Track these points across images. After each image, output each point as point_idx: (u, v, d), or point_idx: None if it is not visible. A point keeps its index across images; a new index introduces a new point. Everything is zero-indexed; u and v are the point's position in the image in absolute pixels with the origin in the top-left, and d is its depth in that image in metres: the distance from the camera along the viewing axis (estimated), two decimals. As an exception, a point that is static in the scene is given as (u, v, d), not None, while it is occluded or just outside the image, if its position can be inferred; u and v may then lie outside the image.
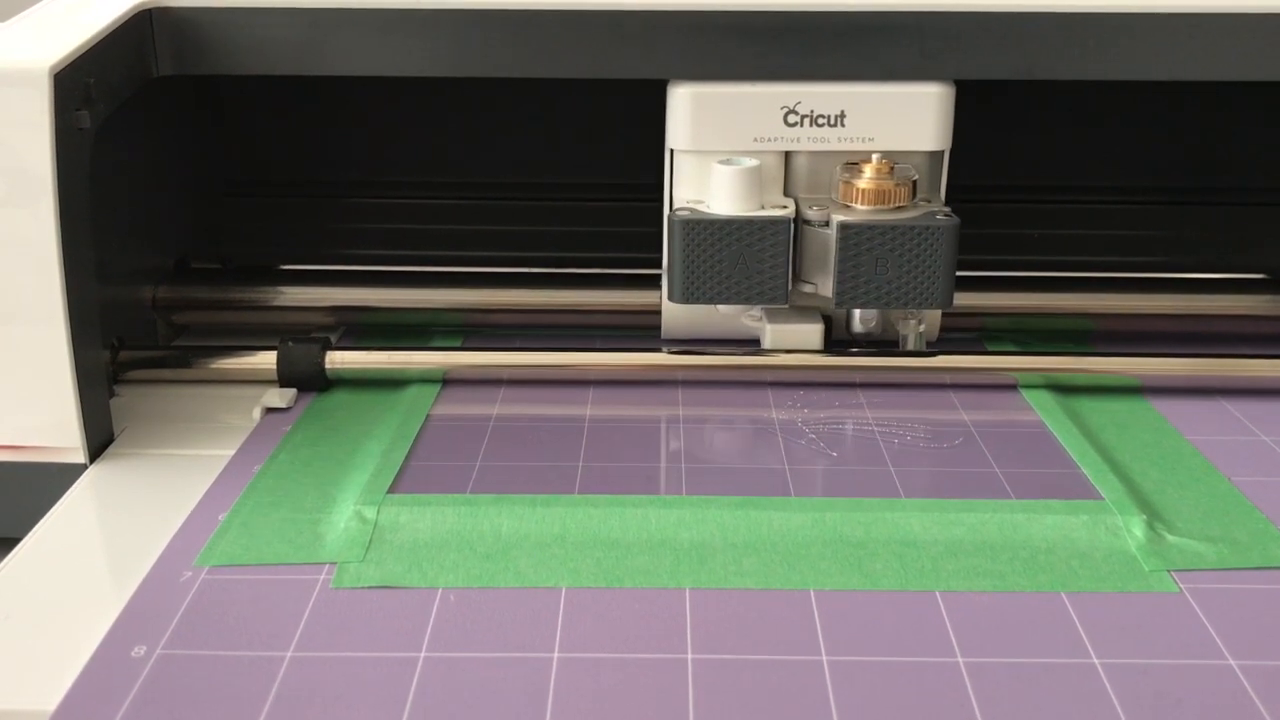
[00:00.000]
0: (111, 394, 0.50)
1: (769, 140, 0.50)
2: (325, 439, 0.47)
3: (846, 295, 0.49)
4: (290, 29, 0.48)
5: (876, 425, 0.48)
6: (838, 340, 0.54)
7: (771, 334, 0.53)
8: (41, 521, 0.41)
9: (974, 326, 0.58)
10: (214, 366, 0.52)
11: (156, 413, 0.50)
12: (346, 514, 0.41)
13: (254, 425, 0.48)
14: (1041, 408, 0.50)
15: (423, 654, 0.33)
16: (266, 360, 0.52)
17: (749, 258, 0.49)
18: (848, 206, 0.49)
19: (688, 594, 0.36)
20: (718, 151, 0.50)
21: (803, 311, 0.53)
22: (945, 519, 0.40)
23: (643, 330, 0.57)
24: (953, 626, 0.35)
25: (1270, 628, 0.35)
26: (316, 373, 0.51)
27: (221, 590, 0.36)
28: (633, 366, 0.52)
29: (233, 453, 0.46)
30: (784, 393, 0.52)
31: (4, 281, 0.43)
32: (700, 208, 0.50)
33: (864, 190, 0.49)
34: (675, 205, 0.51)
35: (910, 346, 0.53)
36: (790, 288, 0.50)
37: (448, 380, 0.52)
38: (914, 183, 0.49)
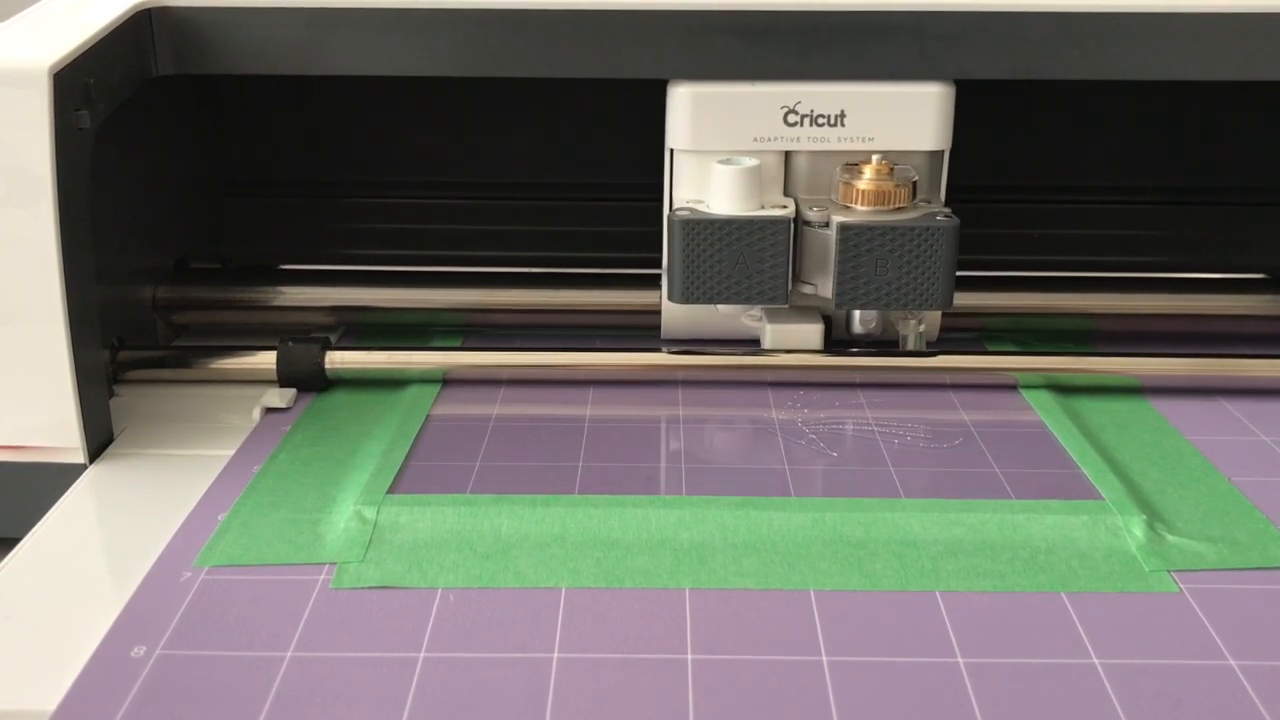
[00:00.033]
0: (111, 394, 0.50)
1: (769, 140, 0.50)
2: (325, 439, 0.47)
3: (846, 296, 0.49)
4: (290, 29, 0.48)
5: (876, 425, 0.48)
6: (838, 340, 0.54)
7: (771, 334, 0.53)
8: (41, 521, 0.41)
9: (974, 326, 0.58)
10: (214, 366, 0.52)
11: (156, 413, 0.50)
12: (346, 514, 0.41)
13: (254, 425, 0.48)
14: (1041, 408, 0.50)
15: (422, 654, 0.33)
16: (266, 360, 0.52)
17: (749, 258, 0.49)
18: (848, 207, 0.49)
19: (688, 594, 0.36)
20: (718, 151, 0.50)
21: (803, 311, 0.53)
22: (945, 519, 0.40)
23: (643, 330, 0.57)
24: (953, 626, 0.35)
25: (1270, 628, 0.35)
26: (316, 373, 0.51)
27: (221, 590, 0.36)
28: (633, 366, 0.52)
29: (232, 453, 0.46)
30: (784, 393, 0.52)
31: (4, 281, 0.43)
32: (700, 208, 0.50)
33: (864, 191, 0.49)
34: (675, 205, 0.51)
35: (910, 346, 0.53)
36: (790, 288, 0.50)
37: (448, 380, 0.52)
38: (914, 184, 0.49)
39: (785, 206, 0.50)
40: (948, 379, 0.52)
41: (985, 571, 0.37)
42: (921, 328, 0.53)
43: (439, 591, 0.36)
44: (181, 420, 0.49)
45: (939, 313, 0.55)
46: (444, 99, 0.64)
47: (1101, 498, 0.42)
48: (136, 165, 0.56)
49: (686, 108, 0.50)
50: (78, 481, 0.44)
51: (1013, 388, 0.52)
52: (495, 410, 0.50)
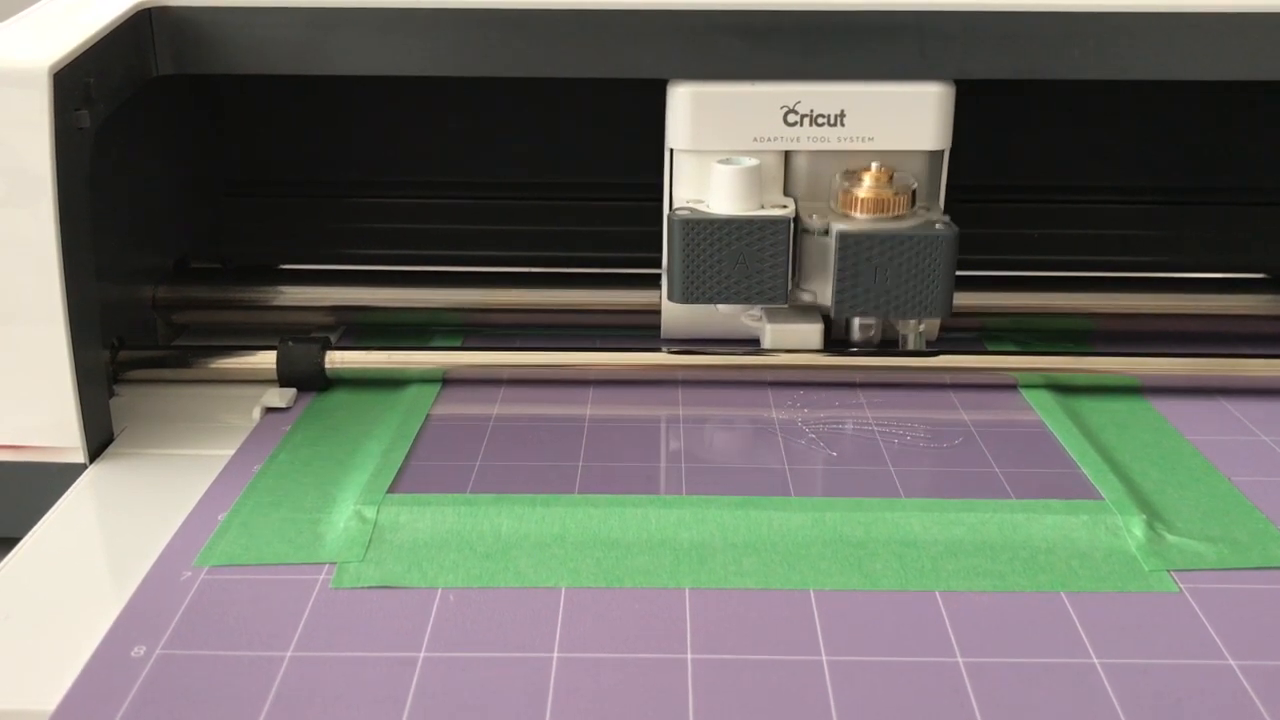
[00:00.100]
0: (111, 394, 0.50)
1: (769, 140, 0.50)
2: (325, 439, 0.47)
3: (845, 304, 0.49)
4: (290, 28, 0.48)
5: (876, 425, 0.48)
6: (837, 340, 0.54)
7: (771, 334, 0.53)
8: (41, 521, 0.41)
9: (974, 326, 0.58)
10: (214, 366, 0.52)
11: (156, 413, 0.50)
12: (346, 514, 0.41)
13: (254, 425, 0.48)
14: (1041, 408, 0.50)
15: (422, 654, 0.33)
16: (266, 360, 0.52)
17: (749, 257, 0.49)
18: (847, 215, 0.49)
19: (688, 594, 0.36)
20: (717, 151, 0.50)
21: (802, 311, 0.53)
22: (945, 519, 0.40)
23: (643, 330, 0.57)
24: (952, 626, 0.35)
25: (1270, 628, 0.35)
26: (316, 372, 0.51)
27: (221, 590, 0.36)
28: (633, 366, 0.52)
29: (232, 452, 0.46)
30: (784, 393, 0.52)
31: (4, 281, 0.43)
32: (700, 207, 0.50)
33: (863, 199, 0.49)
34: (675, 205, 0.51)
35: (910, 346, 0.53)
36: (790, 288, 0.50)
37: (448, 380, 0.52)
38: (913, 191, 0.49)
39: (785, 206, 0.50)
40: (948, 379, 0.52)
41: (985, 571, 0.37)
42: (921, 328, 0.53)
43: (439, 591, 0.36)
44: (181, 420, 0.49)
45: (938, 314, 0.55)
46: (444, 99, 0.64)
47: (1101, 497, 0.42)
48: (136, 165, 0.56)
49: (686, 107, 0.50)
50: (78, 481, 0.44)
51: (1013, 387, 0.52)
52: (495, 410, 0.50)
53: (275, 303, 0.58)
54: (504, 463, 0.45)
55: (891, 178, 0.49)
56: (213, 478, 0.44)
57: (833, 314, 0.50)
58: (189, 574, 0.37)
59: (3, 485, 0.45)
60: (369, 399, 0.51)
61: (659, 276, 0.55)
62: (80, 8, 0.47)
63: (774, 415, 0.50)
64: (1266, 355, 0.52)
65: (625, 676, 0.32)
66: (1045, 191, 0.65)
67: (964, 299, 0.55)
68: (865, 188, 0.49)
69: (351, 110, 0.65)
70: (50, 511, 0.42)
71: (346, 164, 0.66)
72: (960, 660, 0.33)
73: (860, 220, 0.49)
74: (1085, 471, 0.44)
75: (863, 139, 0.50)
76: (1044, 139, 0.65)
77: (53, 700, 0.31)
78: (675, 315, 0.56)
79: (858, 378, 0.52)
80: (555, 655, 0.33)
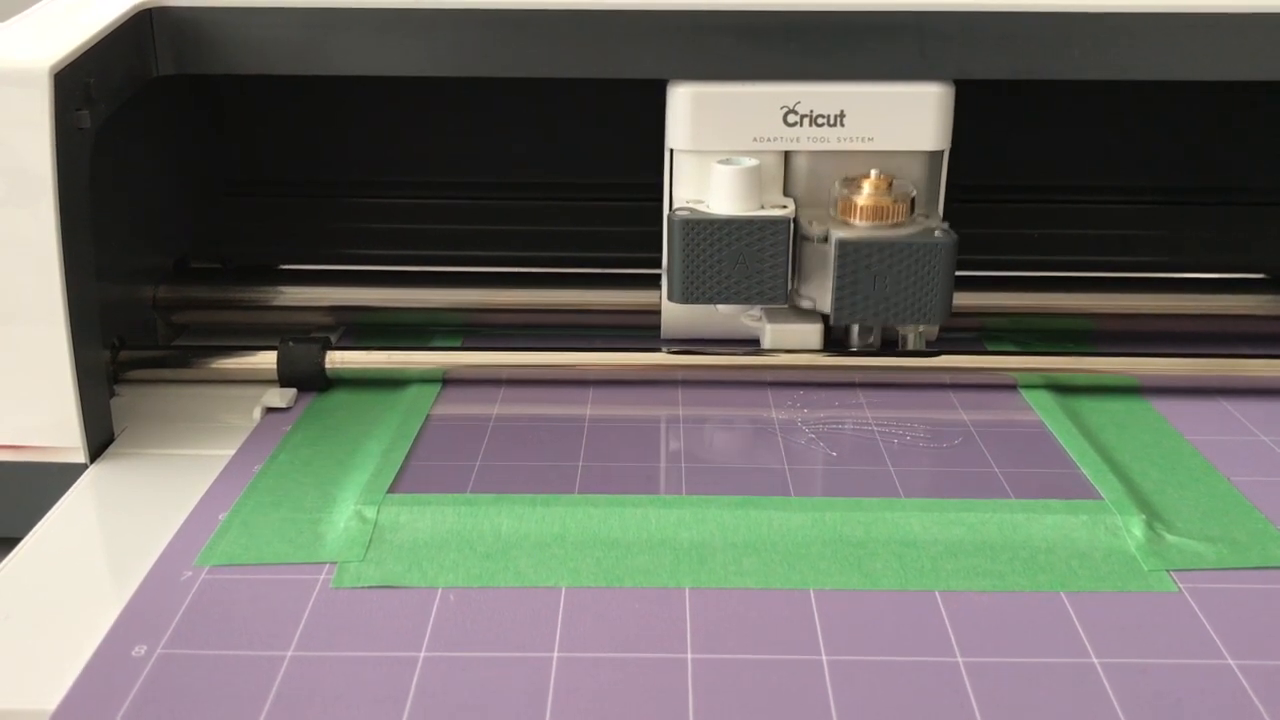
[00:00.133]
0: (112, 394, 0.50)
1: (769, 140, 0.50)
2: (325, 439, 0.47)
3: (845, 311, 0.49)
4: (290, 29, 0.48)
5: (876, 425, 0.49)
6: (837, 340, 0.54)
7: (771, 334, 0.53)
8: (41, 521, 0.41)
9: (974, 326, 0.58)
10: (214, 366, 0.52)
11: (156, 413, 0.50)
12: (346, 514, 0.41)
13: (254, 425, 0.48)
14: (1041, 408, 0.50)
15: (422, 653, 0.33)
16: (266, 360, 0.52)
17: (749, 257, 0.49)
18: (846, 222, 0.49)
19: (687, 594, 0.36)
20: (717, 151, 0.50)
21: (802, 311, 0.53)
22: (945, 519, 0.40)
23: (642, 330, 0.57)
24: (952, 626, 0.35)
25: (1270, 628, 0.35)
26: (316, 373, 0.51)
27: (222, 590, 0.36)
28: (633, 366, 0.52)
29: (233, 453, 0.46)
30: (784, 393, 0.52)
31: (4, 281, 0.43)
32: (700, 207, 0.50)
33: (862, 206, 0.49)
34: (675, 205, 0.51)
35: (910, 346, 0.53)
36: (790, 289, 0.50)
37: (448, 380, 0.52)
38: (912, 199, 0.50)
39: (785, 206, 0.50)
40: (948, 379, 0.52)
41: (985, 571, 0.37)
42: (921, 328, 0.53)
43: (439, 591, 0.36)
44: (182, 420, 0.49)
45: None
46: (444, 99, 0.64)
47: (1101, 497, 0.42)
48: (136, 165, 0.56)
49: (686, 108, 0.50)
50: (78, 481, 0.44)
51: (1012, 388, 0.52)
52: (495, 410, 0.50)
53: (275, 303, 0.58)
54: (504, 463, 0.45)
55: (891, 185, 0.49)
56: (213, 478, 0.44)
57: (832, 321, 0.50)
58: (189, 574, 0.37)
59: (3, 485, 0.45)
60: (369, 399, 0.51)
61: (659, 276, 0.55)
62: (81, 8, 0.47)
63: (774, 415, 0.50)
64: (1266, 355, 0.52)
65: (625, 676, 0.32)
66: (1045, 191, 0.65)
67: (964, 299, 0.55)
68: (864, 195, 0.49)
69: (351, 110, 0.65)
70: (50, 511, 0.42)
71: (346, 164, 0.66)
72: (960, 660, 0.33)
73: (859, 227, 0.49)
74: (1085, 471, 0.44)
75: (862, 139, 0.50)
76: (1044, 139, 0.65)
77: (53, 700, 0.31)
78: (675, 315, 0.56)
79: (857, 378, 0.52)
80: (555, 655, 0.33)
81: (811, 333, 0.53)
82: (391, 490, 0.42)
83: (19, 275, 0.43)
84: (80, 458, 0.45)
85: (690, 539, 0.39)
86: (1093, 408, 0.50)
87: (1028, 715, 0.31)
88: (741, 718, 0.31)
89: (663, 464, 0.45)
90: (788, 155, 0.51)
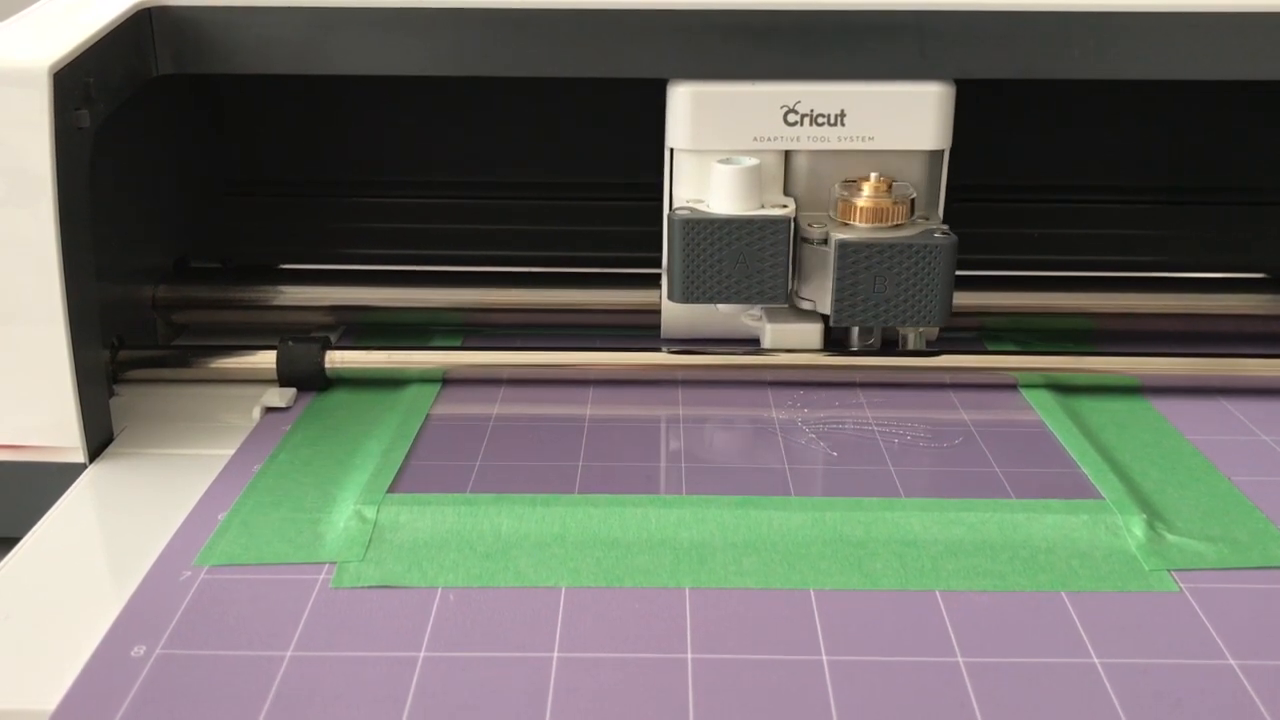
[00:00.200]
0: (111, 394, 0.50)
1: (769, 139, 0.50)
2: (325, 438, 0.47)
3: (845, 313, 0.49)
4: (290, 28, 0.48)
5: (876, 425, 0.48)
6: (837, 340, 0.54)
7: (771, 333, 0.53)
8: (41, 521, 0.41)
9: (974, 326, 0.58)
10: (214, 366, 0.52)
11: (156, 412, 0.50)
12: (346, 513, 0.41)
13: (254, 425, 0.48)
14: (1041, 407, 0.50)
15: (422, 653, 0.33)
16: (266, 360, 0.52)
17: (749, 257, 0.49)
18: (846, 224, 0.49)
19: (688, 593, 0.36)
20: (718, 151, 0.50)
21: (802, 311, 0.53)
22: (945, 518, 0.40)
23: (642, 330, 0.57)
24: (953, 626, 0.35)
25: (1270, 627, 0.35)
26: (316, 372, 0.51)
27: (221, 590, 0.36)
28: (633, 366, 0.52)
29: (232, 452, 0.46)
30: (784, 392, 0.52)
31: (4, 281, 0.43)
32: (700, 207, 0.50)
33: (862, 208, 0.49)
34: (675, 204, 0.51)
35: (910, 346, 0.53)
36: (790, 289, 0.50)
37: (448, 380, 0.52)
38: (912, 200, 0.50)
39: (785, 206, 0.50)
40: (948, 379, 0.52)
41: (985, 571, 0.37)
42: (921, 328, 0.53)
43: (439, 591, 0.36)
44: (181, 420, 0.49)
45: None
46: (444, 99, 0.64)
47: (1101, 497, 0.42)
48: (136, 165, 0.56)
49: (686, 107, 0.50)
50: (78, 481, 0.44)
51: (1013, 387, 0.52)
52: (495, 410, 0.50)
53: (275, 302, 0.58)
54: (504, 463, 0.45)
55: (890, 187, 0.49)
56: (213, 477, 0.44)
57: (832, 322, 0.50)
58: (189, 574, 0.37)
59: (3, 485, 0.45)
60: (369, 399, 0.51)
61: (659, 276, 0.55)
62: (80, 7, 0.47)
63: (774, 415, 0.50)
64: (1266, 355, 0.52)
65: (625, 676, 0.32)
66: (1045, 191, 0.65)
67: (964, 299, 0.55)
68: (864, 197, 0.49)
69: (351, 110, 0.65)
70: (50, 511, 0.42)
71: (346, 164, 0.66)
72: (960, 660, 0.33)
73: (859, 229, 0.49)
74: (1085, 471, 0.44)
75: (863, 139, 0.50)
76: (1044, 139, 0.65)
77: (53, 700, 0.31)
78: (675, 315, 0.56)
79: (858, 377, 0.52)
80: (555, 655, 0.33)
81: (812, 332, 0.53)
82: (391, 490, 0.42)
83: (18, 275, 0.43)
84: (79, 457, 0.45)
85: (690, 539, 0.39)
86: (1093, 407, 0.50)
87: (1028, 715, 0.31)
88: (741, 718, 0.31)
89: (663, 464, 0.45)
90: (788, 155, 0.51)
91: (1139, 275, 0.61)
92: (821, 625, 0.35)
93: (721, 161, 0.50)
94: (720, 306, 0.53)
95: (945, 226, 0.50)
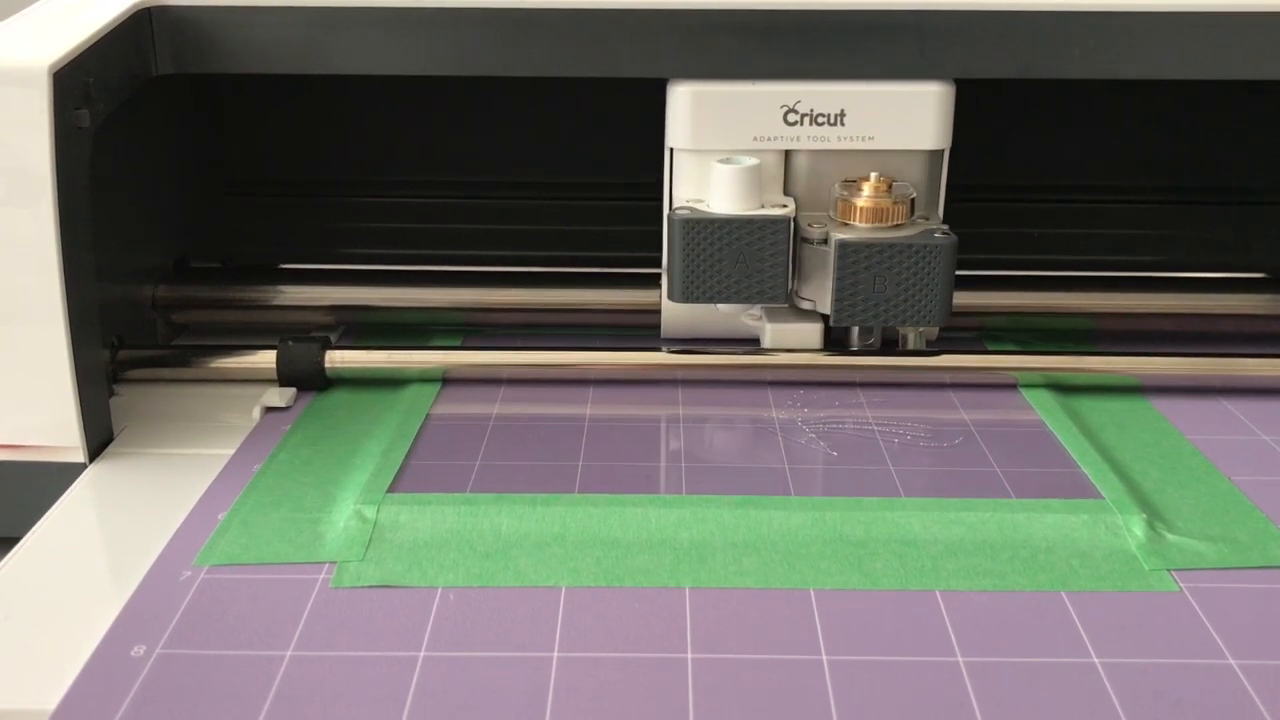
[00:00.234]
0: (111, 393, 0.50)
1: (769, 139, 0.50)
2: (325, 438, 0.47)
3: (845, 313, 0.49)
4: (290, 28, 0.48)
5: (876, 424, 0.48)
6: (837, 339, 0.54)
7: (771, 333, 0.53)
8: (41, 521, 0.41)
9: (974, 326, 0.58)
10: (214, 366, 0.52)
11: (156, 412, 0.50)
12: (346, 513, 0.41)
13: (254, 424, 0.48)
14: (1041, 407, 0.50)
15: (422, 653, 0.33)
16: (266, 359, 0.52)
17: (749, 257, 0.49)
18: (846, 224, 0.49)
19: (687, 593, 0.36)
20: (717, 150, 0.50)
21: (802, 311, 0.53)
22: (945, 518, 0.40)
23: (642, 329, 0.57)
24: (953, 626, 0.35)
25: (1270, 627, 0.35)
26: (316, 372, 0.51)
27: (221, 589, 0.36)
28: (633, 366, 0.52)
29: (232, 452, 0.46)
30: (784, 392, 0.52)
31: (4, 281, 0.43)
32: (700, 207, 0.50)
33: (862, 208, 0.49)
34: (675, 204, 0.51)
35: (910, 346, 0.53)
36: (790, 288, 0.50)
37: (447, 380, 0.52)
38: (911, 200, 0.50)
39: (785, 206, 0.50)
40: (948, 378, 0.52)
41: (985, 571, 0.37)
42: (921, 328, 0.53)
43: (439, 590, 0.36)
44: (181, 420, 0.49)
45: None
46: (444, 98, 0.64)
47: (1101, 497, 0.42)
48: (136, 165, 0.56)
49: (686, 107, 0.50)
50: (78, 481, 0.44)
51: (1013, 387, 0.52)
52: (495, 410, 0.50)
53: (275, 302, 0.58)
54: (504, 462, 0.45)
55: (890, 186, 0.49)
56: (213, 477, 0.44)
57: (832, 322, 0.50)
58: (189, 573, 0.37)
59: (3, 485, 0.45)
60: (369, 398, 0.51)
61: (659, 276, 0.55)
62: (80, 7, 0.47)
63: (774, 415, 0.50)
64: (1266, 355, 0.52)
65: (625, 675, 0.32)
66: (1045, 191, 0.65)
67: (964, 299, 0.55)
68: (864, 197, 0.49)
69: (351, 110, 0.65)
70: (50, 511, 0.42)
71: (346, 164, 0.66)
72: (960, 660, 0.33)
73: (859, 229, 0.49)
74: (1085, 471, 0.44)
75: (863, 138, 0.50)
76: (1044, 139, 0.65)
77: (53, 700, 0.31)
78: (675, 315, 0.56)
79: (858, 377, 0.52)
80: (555, 654, 0.33)
81: (812, 332, 0.53)
82: (391, 490, 0.42)
83: (18, 275, 0.43)
84: (79, 457, 0.45)
85: (690, 538, 0.39)
86: (1093, 407, 0.50)
87: (1028, 715, 0.31)
88: (741, 718, 0.31)
89: (663, 464, 0.45)
90: (788, 154, 0.51)
91: (1139, 275, 0.61)
92: (821, 625, 0.35)
93: (721, 161, 0.50)
94: (720, 306, 0.53)
95: (945, 226, 0.50)
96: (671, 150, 0.51)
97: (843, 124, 0.50)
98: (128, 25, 0.47)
